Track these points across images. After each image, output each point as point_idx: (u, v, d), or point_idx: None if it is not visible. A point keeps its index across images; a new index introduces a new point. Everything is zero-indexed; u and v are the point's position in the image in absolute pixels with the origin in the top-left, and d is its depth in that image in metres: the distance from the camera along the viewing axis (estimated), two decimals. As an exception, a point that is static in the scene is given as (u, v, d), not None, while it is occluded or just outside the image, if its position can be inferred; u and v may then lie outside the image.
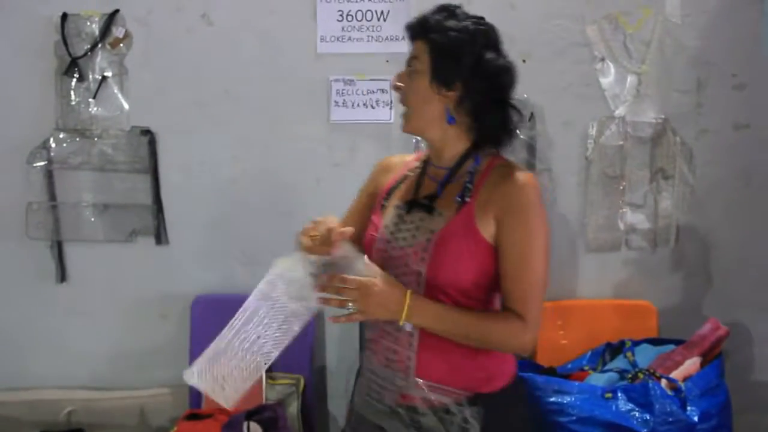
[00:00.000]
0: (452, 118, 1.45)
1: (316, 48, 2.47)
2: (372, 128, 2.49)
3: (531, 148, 2.47)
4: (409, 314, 1.37)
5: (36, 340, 2.65)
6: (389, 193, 1.58)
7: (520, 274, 1.40)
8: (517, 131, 1.49)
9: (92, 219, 2.57)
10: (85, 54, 2.49)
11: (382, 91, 2.46)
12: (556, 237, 2.49)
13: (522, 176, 1.43)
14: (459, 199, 1.44)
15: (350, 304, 1.37)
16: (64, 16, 2.47)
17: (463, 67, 1.42)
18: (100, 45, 2.49)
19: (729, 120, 2.50)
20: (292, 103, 2.49)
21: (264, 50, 2.47)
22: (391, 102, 2.46)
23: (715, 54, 2.48)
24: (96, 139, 2.53)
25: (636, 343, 2.35)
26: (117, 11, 2.48)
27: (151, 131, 2.52)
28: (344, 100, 2.47)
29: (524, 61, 2.42)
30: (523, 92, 2.38)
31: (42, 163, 2.53)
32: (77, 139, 2.54)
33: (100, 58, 2.51)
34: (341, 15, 2.45)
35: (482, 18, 1.49)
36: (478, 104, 1.43)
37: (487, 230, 1.41)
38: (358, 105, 2.47)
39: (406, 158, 1.65)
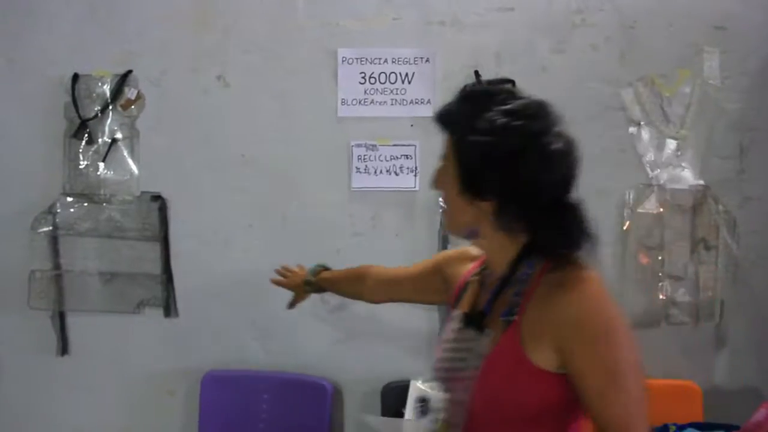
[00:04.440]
0: (475, 233, 1.30)
1: (336, 111, 2.46)
2: (396, 196, 2.48)
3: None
4: None
5: (35, 416, 2.60)
6: (460, 294, 1.42)
7: (607, 405, 1.17)
8: (584, 229, 1.25)
9: (98, 288, 2.54)
10: (96, 116, 2.50)
11: (407, 156, 2.45)
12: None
13: (577, 283, 1.19)
14: (504, 318, 1.25)
15: None
16: (75, 77, 2.49)
17: (492, 179, 1.22)
18: (111, 107, 2.50)
19: (774, 187, 2.48)
20: (311, 169, 2.48)
21: (282, 113, 2.47)
22: (416, 168, 2.45)
23: (757, 117, 2.47)
24: (104, 204, 2.52)
25: (681, 428, 2.27)
26: (130, 72, 2.49)
27: (162, 197, 2.50)
28: (366, 166, 2.46)
29: None
30: None
31: (47, 229, 2.51)
32: (85, 204, 2.52)
33: (111, 120, 2.51)
34: (364, 77, 2.46)
35: (526, 100, 1.25)
36: (521, 213, 1.23)
37: (542, 357, 1.20)
38: (380, 171, 2.46)
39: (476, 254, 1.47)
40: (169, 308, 2.53)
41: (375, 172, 2.46)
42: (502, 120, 1.20)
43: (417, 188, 2.45)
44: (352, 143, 2.46)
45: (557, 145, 1.22)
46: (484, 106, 1.23)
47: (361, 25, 2.46)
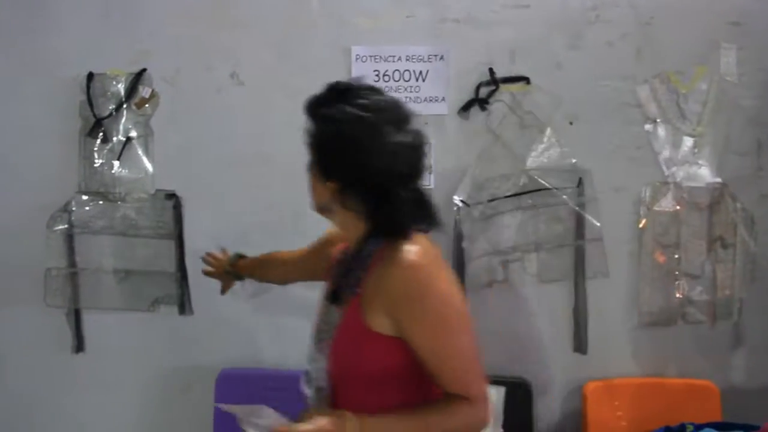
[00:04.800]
0: (325, 208, 1.48)
1: (351, 109, 2.46)
2: (410, 194, 2.47)
3: (579, 216, 2.43)
4: None
5: (50, 413, 2.62)
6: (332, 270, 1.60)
7: (441, 361, 1.38)
8: (421, 214, 1.46)
9: (113, 286, 2.55)
10: (110, 114, 2.51)
11: (421, 154, 2.44)
12: (608, 309, 2.47)
13: (403, 258, 1.37)
14: (349, 291, 1.44)
15: None
16: (90, 76, 2.50)
17: (334, 163, 1.43)
18: (125, 105, 2.51)
19: (793, 184, 2.46)
20: (325, 166, 2.47)
21: (297, 110, 2.34)
22: (431, 166, 2.43)
23: (776, 113, 2.45)
24: (119, 202, 2.53)
25: (699, 428, 2.26)
26: (144, 70, 2.50)
27: (176, 195, 2.51)
28: (381, 163, 2.45)
29: (571, 123, 2.45)
30: (570, 156, 2.43)
31: (62, 227, 2.53)
32: (100, 202, 2.54)
33: (125, 119, 2.52)
34: (377, 75, 2.45)
35: (380, 96, 1.43)
36: (360, 196, 1.41)
37: (381, 325, 1.39)
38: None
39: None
40: (183, 306, 2.54)
41: (389, 169, 2.45)
42: (348, 110, 1.39)
43: (431, 186, 2.44)
44: (367, 141, 2.45)
45: (399, 139, 1.39)
46: (341, 98, 1.42)
47: (375, 23, 2.46)
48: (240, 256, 2.17)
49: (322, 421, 1.33)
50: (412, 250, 1.38)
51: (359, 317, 1.40)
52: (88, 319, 2.59)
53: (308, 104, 1.48)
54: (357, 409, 1.38)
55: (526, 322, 2.49)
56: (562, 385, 2.52)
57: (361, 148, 1.38)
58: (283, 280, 2.15)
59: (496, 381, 2.39)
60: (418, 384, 1.44)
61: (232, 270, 2.17)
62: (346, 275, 1.47)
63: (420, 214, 1.45)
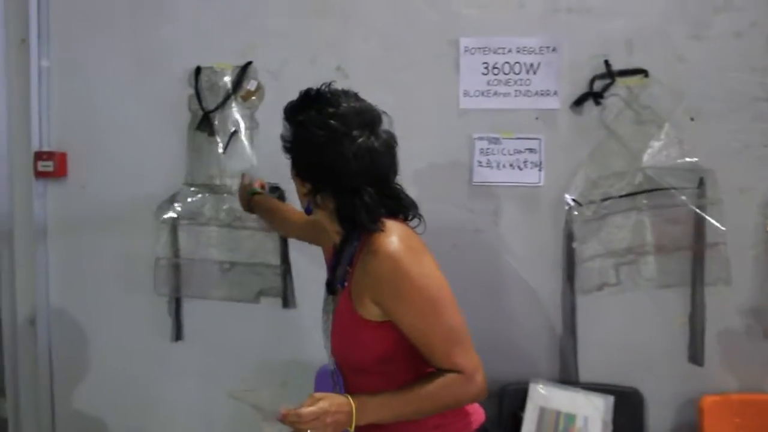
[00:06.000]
0: (309, 208, 1.60)
1: (458, 103, 2.42)
2: (518, 191, 2.41)
3: (699, 219, 2.30)
4: (358, 418, 1.46)
5: (146, 399, 2.73)
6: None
7: (427, 339, 1.49)
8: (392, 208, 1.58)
9: (217, 277, 2.61)
10: (217, 108, 2.56)
11: (531, 150, 2.38)
12: (728, 319, 2.34)
13: (379, 248, 1.48)
14: (339, 284, 1.57)
15: None
16: (198, 70, 2.56)
17: (304, 164, 1.57)
18: (232, 98, 2.55)
19: None
20: (431, 162, 2.44)
21: (401, 105, 2.38)
22: (541, 163, 2.37)
23: None
24: (225, 194, 2.59)
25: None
26: (250, 63, 2.54)
27: (280, 188, 2.52)
28: (488, 160, 2.41)
29: (692, 119, 2.32)
30: (691, 154, 2.31)
31: (169, 216, 2.61)
32: (206, 194, 2.60)
33: (232, 112, 2.56)
34: (486, 68, 2.40)
35: (351, 103, 1.55)
36: (331, 196, 1.54)
37: (370, 312, 1.51)
38: (503, 166, 2.40)
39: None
40: (287, 299, 2.57)
41: (497, 166, 2.40)
42: (315, 117, 1.52)
43: (541, 183, 2.38)
44: (474, 136, 2.41)
45: (366, 144, 1.51)
46: (312, 104, 1.55)
47: (484, 13, 2.41)
48: (254, 193, 2.36)
49: (323, 403, 1.44)
50: (388, 240, 1.49)
51: (350, 307, 1.54)
52: (189, 309, 2.67)
53: (285, 109, 1.62)
54: (361, 391, 1.52)
55: (638, 329, 2.39)
56: (676, 397, 2.40)
57: (327, 153, 1.50)
58: (284, 234, 2.42)
59: (604, 390, 2.33)
60: (414, 366, 1.54)
61: (247, 202, 2.37)
62: (336, 269, 1.59)
63: (396, 207, 1.58)
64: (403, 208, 1.60)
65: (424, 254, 1.53)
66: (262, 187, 2.42)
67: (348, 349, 1.59)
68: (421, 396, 1.49)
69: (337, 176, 1.51)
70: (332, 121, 1.51)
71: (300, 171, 1.59)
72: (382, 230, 1.51)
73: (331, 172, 1.51)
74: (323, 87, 1.59)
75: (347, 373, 1.64)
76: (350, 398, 1.48)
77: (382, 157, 1.54)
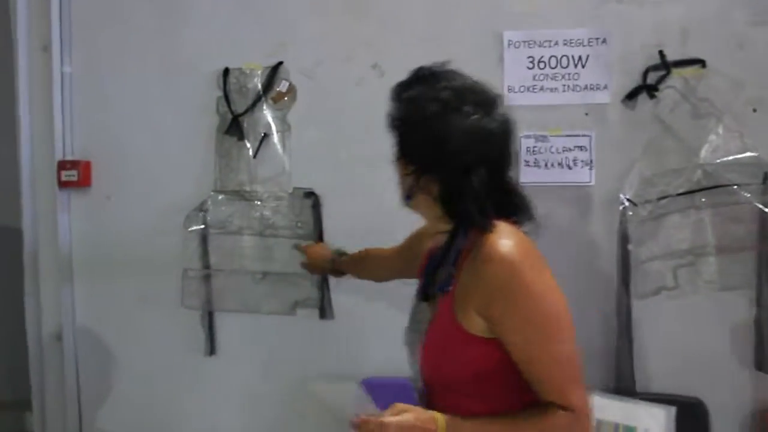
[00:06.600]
0: (409, 196, 1.44)
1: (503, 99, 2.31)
2: (569, 192, 2.30)
3: (764, 217, 2.17)
4: None
5: (179, 416, 2.64)
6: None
7: (538, 366, 1.32)
8: (510, 201, 1.43)
9: (249, 288, 2.52)
10: (247, 111, 2.47)
11: (581, 148, 2.26)
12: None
13: (494, 250, 1.31)
14: (440, 289, 1.40)
15: None
16: (226, 71, 2.48)
17: (413, 144, 1.42)
18: (262, 100, 2.46)
19: None
20: (474, 162, 2.33)
21: None
22: (592, 161, 2.26)
23: None
24: (256, 201, 2.49)
25: None
26: (281, 63, 2.45)
27: (314, 193, 2.44)
28: (536, 159, 2.30)
29: (755, 110, 2.21)
30: (753, 148, 2.18)
31: (199, 227, 2.52)
32: (236, 201, 2.51)
33: (262, 115, 2.47)
34: (532, 61, 2.30)
35: (466, 79, 1.43)
36: (439, 181, 1.39)
37: (473, 325, 1.34)
38: (552, 165, 2.29)
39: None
40: (324, 310, 2.47)
41: (545, 165, 2.29)
42: (428, 91, 1.38)
43: (592, 183, 2.27)
44: (520, 134, 2.30)
45: (481, 123, 1.36)
46: (424, 81, 1.42)
47: (529, 5, 2.31)
48: (341, 253, 2.19)
49: (409, 416, 1.31)
50: (505, 243, 1.32)
51: (452, 317, 1.36)
52: (222, 322, 2.58)
53: (393, 88, 1.48)
54: (450, 412, 1.34)
55: (699, 335, 2.26)
56: (742, 408, 2.27)
57: (435, 126, 1.35)
58: (379, 278, 2.15)
59: (665, 400, 2.19)
60: (514, 389, 1.37)
61: (332, 266, 2.20)
62: (435, 272, 1.44)
63: (508, 205, 1.41)
64: (515, 207, 1.43)
65: (545, 267, 1.35)
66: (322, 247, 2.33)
67: (442, 364, 1.41)
68: (521, 429, 1.34)
69: (444, 153, 1.35)
70: (443, 94, 1.37)
71: (405, 150, 1.44)
72: (492, 230, 1.34)
73: (438, 149, 1.35)
74: (436, 65, 1.46)
75: (432, 387, 1.48)
76: (439, 416, 1.32)
77: (497, 141, 1.39)
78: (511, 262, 1.29)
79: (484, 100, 1.40)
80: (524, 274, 1.29)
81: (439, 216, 1.42)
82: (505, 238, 1.33)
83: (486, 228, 1.34)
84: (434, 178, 1.39)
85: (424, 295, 1.49)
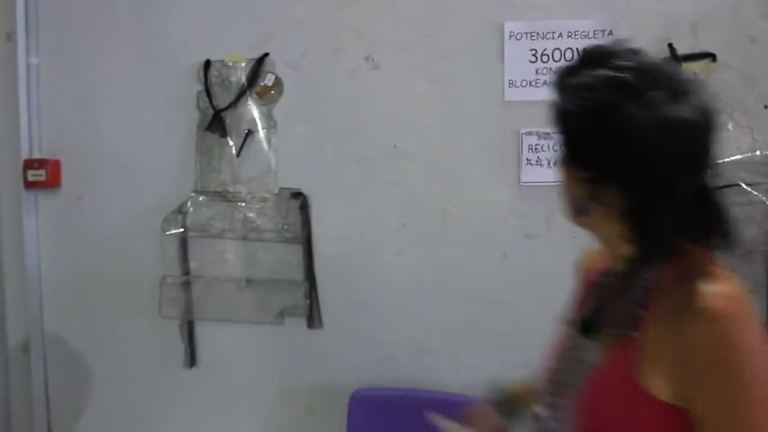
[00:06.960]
0: (583, 209, 1.14)
1: (503, 95, 2.23)
2: (574, 192, 2.21)
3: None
4: None
5: (159, 429, 2.54)
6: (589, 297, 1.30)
7: None
8: (719, 226, 1.10)
9: (232, 296, 2.41)
10: (230, 106, 2.36)
11: (586, 145, 2.18)
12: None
13: (709, 307, 1.01)
14: (621, 331, 1.11)
15: None
16: (207, 63, 2.37)
17: (587, 144, 1.10)
18: (246, 94, 2.36)
19: None
20: (473, 160, 2.26)
21: (440, 97, 2.27)
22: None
23: None
24: (239, 203, 2.39)
25: None
26: (266, 55, 2.35)
27: (303, 194, 2.34)
28: (538, 157, 2.22)
29: (766, 107, 2.13)
30: (765, 146, 2.12)
31: (178, 230, 2.41)
32: (218, 202, 2.40)
33: (246, 110, 2.37)
34: (534, 55, 2.22)
35: (651, 60, 1.11)
36: (623, 191, 1.08)
37: (658, 386, 1.05)
38: (554, 163, 2.19)
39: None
40: (312, 318, 2.36)
41: (549, 163, 2.21)
42: (606, 74, 1.07)
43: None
44: (522, 131, 2.22)
45: (676, 114, 1.03)
46: (597, 63, 1.10)
47: (531, -6, 2.24)
48: (506, 393, 1.57)
49: None
50: (720, 291, 1.03)
51: (631, 370, 1.08)
52: (203, 332, 2.48)
53: (556, 75, 1.18)
54: None
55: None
56: None
57: (615, 119, 1.05)
58: None
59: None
60: None
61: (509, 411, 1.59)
62: (611, 307, 1.16)
63: (707, 224, 1.10)
64: (715, 229, 1.11)
65: (756, 325, 1.05)
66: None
67: (612, 424, 1.12)
68: None
69: (637, 156, 1.05)
70: (632, 78, 1.05)
71: (575, 150, 1.14)
72: (705, 271, 1.05)
73: (622, 150, 1.06)
74: (607, 43, 1.16)
75: None
76: None
77: (695, 136, 1.07)
78: (729, 323, 1.02)
79: (674, 83, 1.09)
80: (740, 339, 1.02)
81: (617, 234, 1.13)
82: (717, 283, 1.04)
83: (702, 265, 1.07)
84: (616, 188, 1.09)
85: (588, 329, 1.21)
